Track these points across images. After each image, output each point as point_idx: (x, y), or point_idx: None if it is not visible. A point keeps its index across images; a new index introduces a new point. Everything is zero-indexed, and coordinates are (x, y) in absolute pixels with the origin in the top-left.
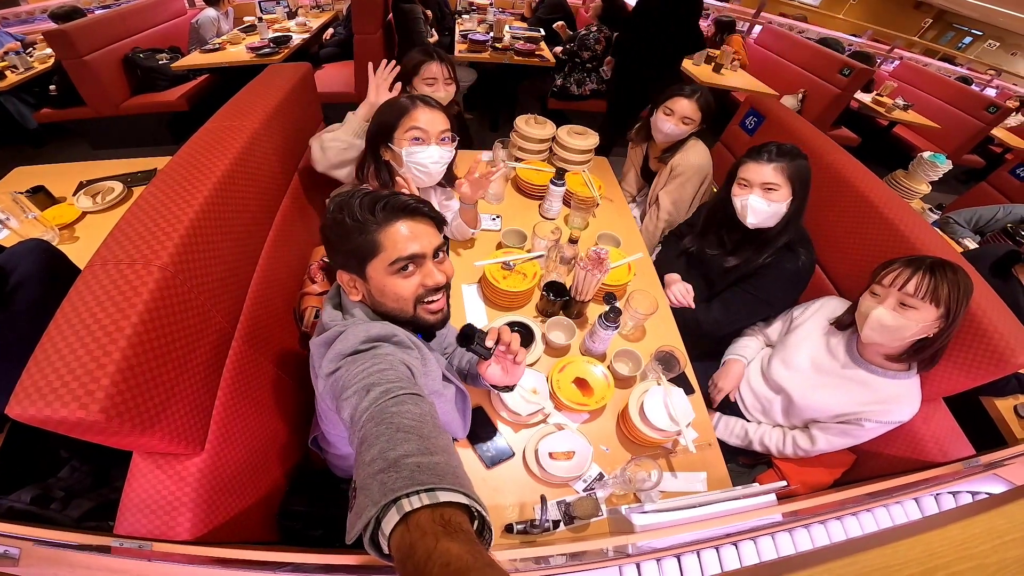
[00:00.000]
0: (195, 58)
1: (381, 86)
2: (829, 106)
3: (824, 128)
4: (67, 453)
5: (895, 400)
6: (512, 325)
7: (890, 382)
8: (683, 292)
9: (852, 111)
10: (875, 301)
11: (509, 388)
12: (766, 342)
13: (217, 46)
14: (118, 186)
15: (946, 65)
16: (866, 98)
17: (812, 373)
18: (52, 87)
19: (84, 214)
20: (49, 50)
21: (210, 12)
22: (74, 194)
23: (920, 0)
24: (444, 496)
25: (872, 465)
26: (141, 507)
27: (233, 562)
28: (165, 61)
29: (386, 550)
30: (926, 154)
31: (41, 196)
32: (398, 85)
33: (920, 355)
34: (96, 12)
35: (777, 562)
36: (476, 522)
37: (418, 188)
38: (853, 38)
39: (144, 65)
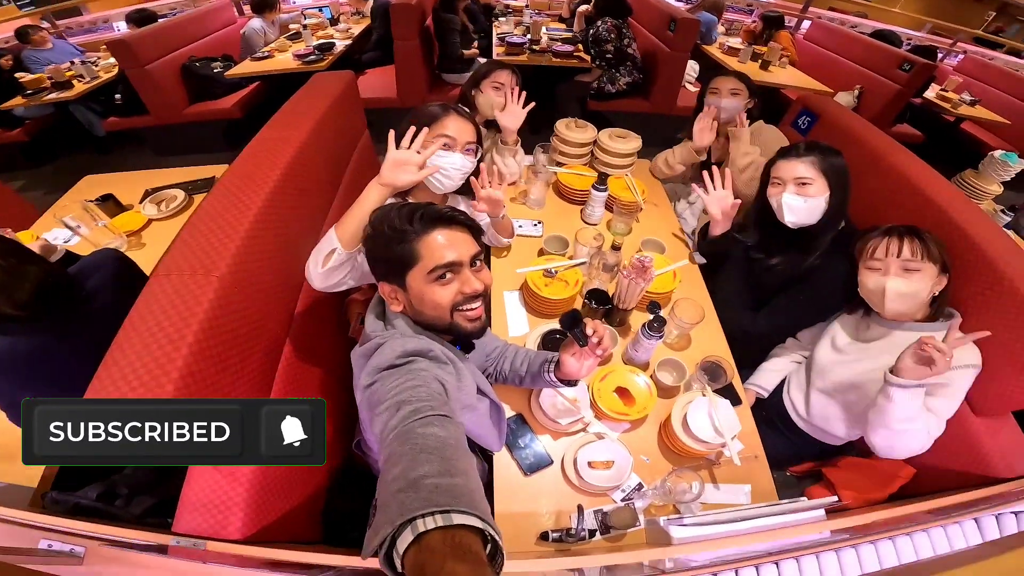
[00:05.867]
0: (245, 66)
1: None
2: (889, 103)
3: (884, 126)
4: None
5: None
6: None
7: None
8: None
9: (914, 107)
10: (879, 275)
11: (574, 383)
12: (801, 352)
13: (266, 54)
14: (180, 194)
15: (1013, 59)
16: (930, 93)
17: (859, 348)
18: (117, 96)
19: (150, 221)
20: (113, 59)
21: (255, 23)
22: (140, 202)
23: None
24: (458, 518)
25: (933, 480)
26: (198, 506)
27: (282, 564)
28: (219, 69)
29: (399, 568)
30: (997, 153)
31: (110, 204)
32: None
33: (941, 309)
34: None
35: None
36: (489, 546)
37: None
38: (912, 32)
39: (200, 73)
